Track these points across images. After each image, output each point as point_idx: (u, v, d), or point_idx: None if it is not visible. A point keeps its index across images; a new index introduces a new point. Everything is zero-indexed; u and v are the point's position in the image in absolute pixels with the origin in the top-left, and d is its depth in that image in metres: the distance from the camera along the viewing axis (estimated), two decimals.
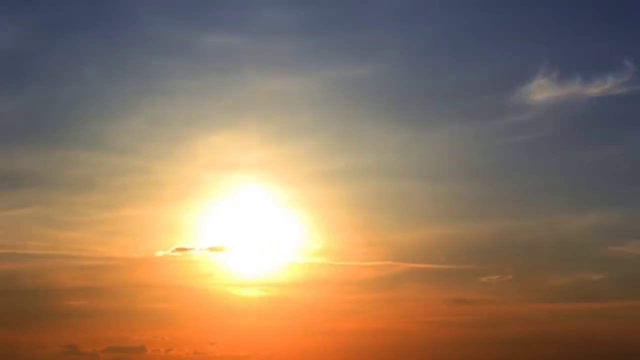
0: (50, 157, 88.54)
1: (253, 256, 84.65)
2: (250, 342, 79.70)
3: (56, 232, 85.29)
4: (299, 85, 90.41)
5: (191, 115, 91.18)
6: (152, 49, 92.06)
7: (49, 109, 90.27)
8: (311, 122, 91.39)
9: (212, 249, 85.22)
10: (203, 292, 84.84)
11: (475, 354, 76.99)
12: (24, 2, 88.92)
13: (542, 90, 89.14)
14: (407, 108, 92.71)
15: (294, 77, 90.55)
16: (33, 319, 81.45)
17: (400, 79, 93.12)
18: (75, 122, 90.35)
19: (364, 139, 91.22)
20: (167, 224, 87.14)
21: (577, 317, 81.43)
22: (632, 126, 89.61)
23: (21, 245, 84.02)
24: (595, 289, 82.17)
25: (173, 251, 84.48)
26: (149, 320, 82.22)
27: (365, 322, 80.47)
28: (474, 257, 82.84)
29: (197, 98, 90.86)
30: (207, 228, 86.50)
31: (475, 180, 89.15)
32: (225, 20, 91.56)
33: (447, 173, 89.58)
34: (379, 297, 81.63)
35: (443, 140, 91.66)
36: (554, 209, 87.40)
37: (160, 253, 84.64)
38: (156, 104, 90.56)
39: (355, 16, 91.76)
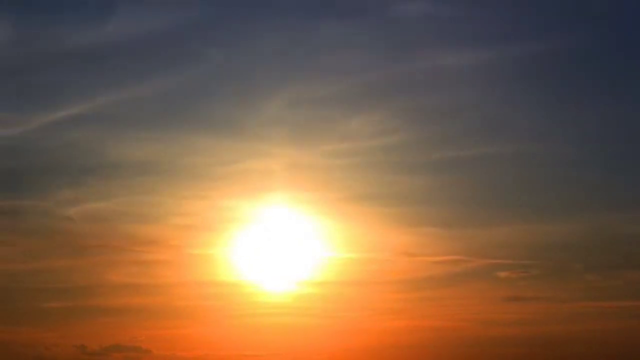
0: (166, 144, 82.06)
1: (317, 252, 77.78)
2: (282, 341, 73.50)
3: (127, 226, 79.26)
4: (472, 60, 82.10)
5: (339, 95, 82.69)
6: (326, 18, 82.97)
7: (182, 93, 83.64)
8: (459, 104, 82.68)
9: (280, 241, 78.36)
10: (247, 288, 77.07)
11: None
12: None
13: None
14: (568, 92, 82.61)
15: (470, 51, 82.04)
16: (69, 316, 76.27)
17: (581, 57, 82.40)
18: (205, 107, 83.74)
19: (499, 124, 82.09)
20: (251, 218, 79.51)
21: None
22: None
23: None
24: None
25: (237, 246, 78.26)
26: (184, 317, 75.93)
27: (414, 320, 74.65)
28: (552, 254, 75.96)
29: (355, 74, 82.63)
30: (290, 221, 78.98)
31: (601, 170, 79.61)
32: None
33: (575, 161, 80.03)
34: (436, 295, 76.04)
35: (587, 126, 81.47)
36: None
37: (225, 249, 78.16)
38: (306, 83, 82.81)
39: None
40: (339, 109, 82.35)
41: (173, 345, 73.28)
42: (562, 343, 72.17)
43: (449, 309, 75.42)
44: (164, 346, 73.32)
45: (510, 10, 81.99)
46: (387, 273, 76.09)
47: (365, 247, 76.55)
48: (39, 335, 73.85)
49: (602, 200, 78.38)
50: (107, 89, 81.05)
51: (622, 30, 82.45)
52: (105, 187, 79.83)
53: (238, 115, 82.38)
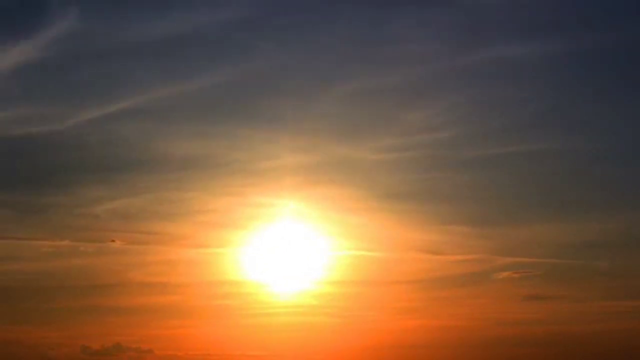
0: (212, 139, 78.72)
1: (343, 250, 74.53)
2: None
3: (152, 224, 75.61)
4: (537, 52, 78.72)
5: (398, 88, 79.66)
6: (390, 8, 78.56)
7: (236, 87, 79.87)
8: (517, 97, 79.79)
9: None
10: (263, 287, 73.71)
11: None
12: None
13: None
14: (625, 88, 78.65)
15: (537, 43, 78.80)
16: (82, 315, 72.59)
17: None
18: (257, 101, 79.63)
19: (550, 120, 79.37)
20: (282, 215, 75.25)
21: None
22: None
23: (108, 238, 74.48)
24: None
25: (260, 245, 74.18)
26: (193, 317, 72.80)
27: (431, 319, 72.67)
28: (579, 253, 74.29)
29: (417, 66, 78.94)
30: (319, 219, 75.44)
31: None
32: None
33: (622, 160, 77.37)
34: (457, 294, 74.13)
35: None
36: None
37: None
38: (365, 76, 79.26)
39: None
40: (396, 103, 79.10)
41: (175, 345, 70.40)
42: (583, 342, 70.17)
43: (469, 308, 72.96)
44: (167, 346, 70.39)
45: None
46: (409, 272, 74.64)
47: (391, 246, 74.87)
48: (46, 335, 71.05)
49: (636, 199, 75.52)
50: (159, 84, 78.52)
51: None
52: (138, 183, 76.68)
53: (290, 109, 78.60)
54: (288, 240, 72.85)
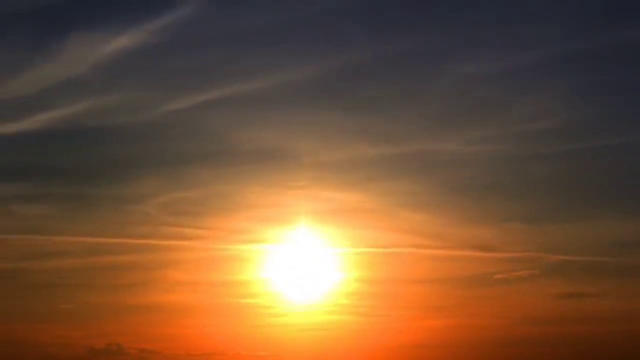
0: (294, 129, 72.82)
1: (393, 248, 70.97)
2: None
3: (200, 218, 70.67)
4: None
5: (510, 73, 73.11)
6: None
7: (332, 76, 73.34)
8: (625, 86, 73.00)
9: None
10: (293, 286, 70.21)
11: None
12: None
13: None
14: None
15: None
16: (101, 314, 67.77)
17: None
18: (351, 89, 73.30)
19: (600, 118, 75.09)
20: (338, 210, 71.07)
21: None
22: None
23: (147, 235, 69.73)
24: None
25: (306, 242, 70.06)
26: (210, 316, 68.66)
27: (468, 318, 70.19)
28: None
29: (533, 48, 72.56)
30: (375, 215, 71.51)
31: None
32: None
33: None
34: (499, 292, 71.61)
35: None
36: None
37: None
38: (474, 60, 72.85)
39: None
40: (504, 90, 72.71)
41: (183, 345, 66.04)
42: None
43: (514, 307, 69.49)
44: (173, 346, 66.03)
45: None
46: (457, 269, 71.13)
47: (444, 242, 71.39)
48: (59, 334, 66.32)
49: None
50: (254, 73, 71.72)
51: None
52: (198, 177, 71.21)
53: (386, 99, 72.91)
54: (337, 236, 67.90)
